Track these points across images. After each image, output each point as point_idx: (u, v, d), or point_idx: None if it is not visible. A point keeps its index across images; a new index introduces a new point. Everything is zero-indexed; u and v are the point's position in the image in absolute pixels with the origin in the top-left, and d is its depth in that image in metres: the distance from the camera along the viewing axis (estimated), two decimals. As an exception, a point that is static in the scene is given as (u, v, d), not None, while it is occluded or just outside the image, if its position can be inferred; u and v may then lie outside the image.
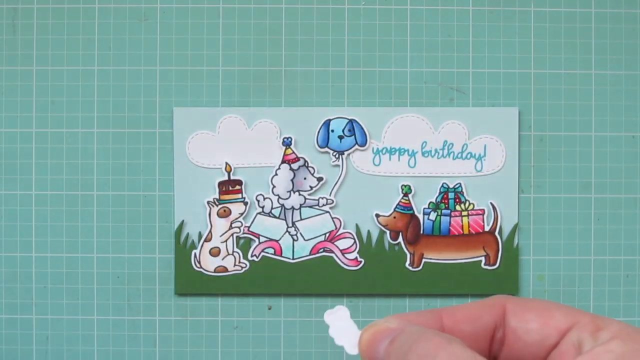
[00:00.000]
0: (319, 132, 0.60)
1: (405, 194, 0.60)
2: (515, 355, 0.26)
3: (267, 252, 0.61)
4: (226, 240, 0.61)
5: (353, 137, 0.60)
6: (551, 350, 0.26)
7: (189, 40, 0.61)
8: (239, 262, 0.61)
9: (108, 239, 0.61)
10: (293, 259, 0.61)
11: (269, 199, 0.61)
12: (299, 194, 0.61)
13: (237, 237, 0.61)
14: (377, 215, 0.60)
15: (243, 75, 0.61)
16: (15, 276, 0.61)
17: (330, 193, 0.61)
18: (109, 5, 0.61)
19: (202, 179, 0.61)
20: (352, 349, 0.28)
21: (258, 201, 0.61)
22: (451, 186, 0.61)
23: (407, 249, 0.61)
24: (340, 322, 0.29)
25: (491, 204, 0.61)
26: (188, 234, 0.61)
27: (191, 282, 0.61)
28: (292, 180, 0.61)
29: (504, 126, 0.61)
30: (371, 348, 0.26)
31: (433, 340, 0.23)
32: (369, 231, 0.61)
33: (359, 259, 0.61)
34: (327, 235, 0.61)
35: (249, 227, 0.61)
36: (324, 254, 0.61)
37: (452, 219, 0.61)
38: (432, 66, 0.61)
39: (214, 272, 0.61)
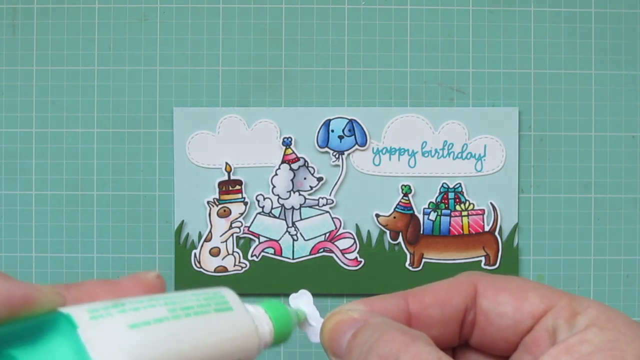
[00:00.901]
0: (319, 132, 0.60)
1: (405, 194, 0.60)
2: (487, 339, 0.25)
3: (267, 252, 0.61)
4: (226, 240, 0.61)
5: (353, 137, 0.60)
6: (524, 335, 0.24)
7: (189, 40, 0.61)
8: (239, 262, 0.61)
9: (108, 239, 0.61)
10: (293, 259, 0.61)
11: (269, 199, 0.61)
12: (299, 194, 0.61)
13: (237, 237, 0.61)
14: (377, 215, 0.60)
15: (243, 75, 0.61)
16: (15, 276, 0.61)
17: (330, 193, 0.61)
18: (109, 5, 0.61)
19: (202, 179, 0.61)
20: (314, 336, 0.27)
21: (258, 201, 0.61)
22: (451, 186, 0.61)
23: (407, 249, 0.61)
24: (304, 308, 0.27)
25: (491, 204, 0.61)
26: (188, 234, 0.61)
27: (191, 282, 0.61)
28: (292, 180, 0.61)
29: (504, 126, 0.61)
30: (334, 340, 0.24)
31: (395, 340, 0.22)
32: (369, 231, 0.61)
33: (359, 259, 0.61)
34: (327, 235, 0.61)
35: (249, 227, 0.61)
36: (324, 254, 0.61)
37: (452, 219, 0.61)
38: (432, 66, 0.61)
39: (214, 272, 0.61)
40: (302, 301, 0.27)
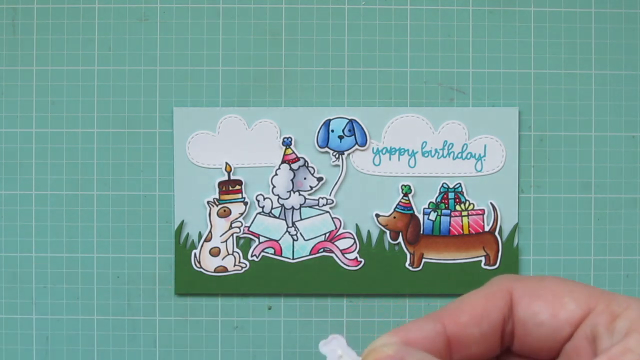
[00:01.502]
0: (319, 132, 0.60)
1: (405, 194, 0.60)
2: (528, 348, 0.25)
3: (267, 252, 0.61)
4: (226, 240, 0.61)
5: (353, 137, 0.60)
6: (565, 342, 0.24)
7: (189, 40, 0.61)
8: (239, 262, 0.61)
9: (108, 239, 0.61)
10: (293, 259, 0.61)
11: (269, 199, 0.61)
12: (299, 194, 0.61)
13: (237, 237, 0.61)
14: (377, 215, 0.60)
15: (243, 75, 0.61)
16: (15, 276, 0.61)
17: (330, 193, 0.61)
18: (109, 5, 0.61)
19: (202, 179, 0.61)
20: None
21: (258, 201, 0.61)
22: (451, 186, 0.61)
23: (407, 249, 0.61)
24: (338, 351, 0.26)
25: (491, 204, 0.61)
26: (188, 234, 0.61)
27: (191, 282, 0.61)
28: (292, 180, 0.61)
29: (504, 126, 0.61)
30: None
31: None
32: (369, 231, 0.61)
33: (359, 259, 0.61)
34: (327, 235, 0.61)
35: (249, 227, 0.61)
36: (324, 254, 0.61)
37: (452, 219, 0.61)
38: (432, 66, 0.61)
39: (214, 272, 0.61)
40: (334, 345, 0.26)
